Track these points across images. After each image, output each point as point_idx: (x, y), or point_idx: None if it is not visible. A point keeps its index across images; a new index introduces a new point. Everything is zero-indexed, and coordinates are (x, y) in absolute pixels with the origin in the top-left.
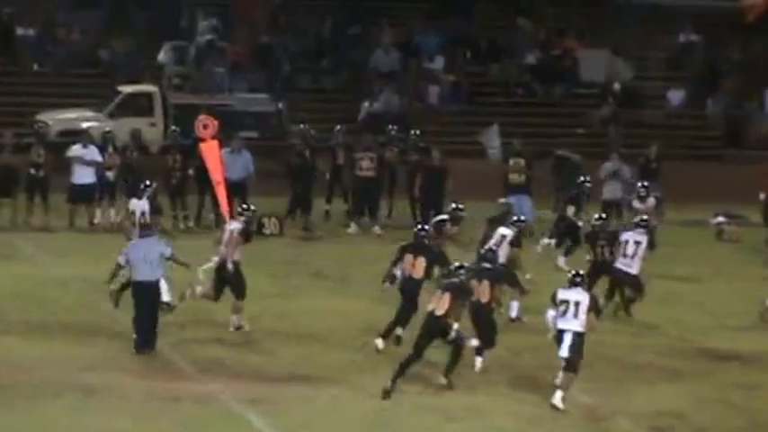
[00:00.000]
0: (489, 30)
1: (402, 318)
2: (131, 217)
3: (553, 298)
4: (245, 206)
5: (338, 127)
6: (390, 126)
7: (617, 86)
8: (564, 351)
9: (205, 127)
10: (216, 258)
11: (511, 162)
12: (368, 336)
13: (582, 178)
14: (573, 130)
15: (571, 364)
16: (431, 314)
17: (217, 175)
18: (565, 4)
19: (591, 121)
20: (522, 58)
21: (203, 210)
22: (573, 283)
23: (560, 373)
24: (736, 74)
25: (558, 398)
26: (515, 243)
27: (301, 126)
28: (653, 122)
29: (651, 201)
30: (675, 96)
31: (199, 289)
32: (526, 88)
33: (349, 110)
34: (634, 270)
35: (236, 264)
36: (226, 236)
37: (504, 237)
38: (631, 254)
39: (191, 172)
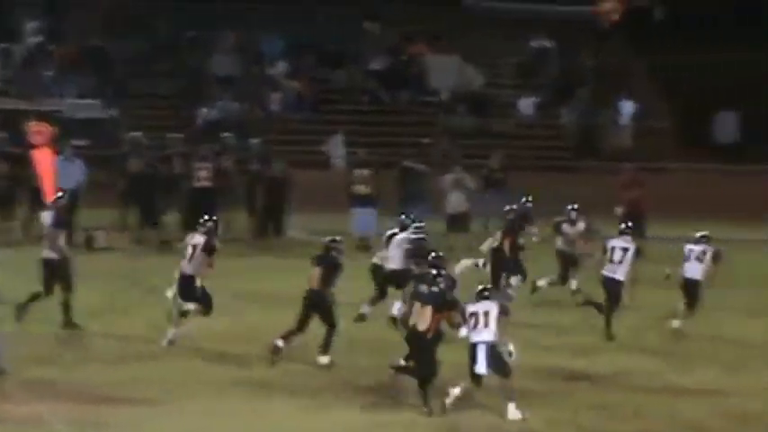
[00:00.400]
0: (335, 34)
1: (299, 327)
2: None
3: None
4: (206, 217)
5: (175, 135)
6: (226, 134)
7: (446, 94)
8: (481, 368)
9: (38, 133)
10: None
11: (356, 173)
12: (198, 354)
13: (524, 199)
14: (420, 139)
15: (502, 372)
16: (413, 330)
17: (48, 183)
18: (414, 8)
19: (438, 129)
20: (368, 63)
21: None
22: (481, 297)
23: (503, 385)
24: (590, 82)
25: (511, 410)
26: None
27: (135, 134)
28: (503, 132)
29: (581, 225)
30: (527, 105)
31: (191, 306)
32: (372, 95)
33: (186, 117)
34: (619, 276)
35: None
36: (188, 251)
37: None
38: (618, 260)
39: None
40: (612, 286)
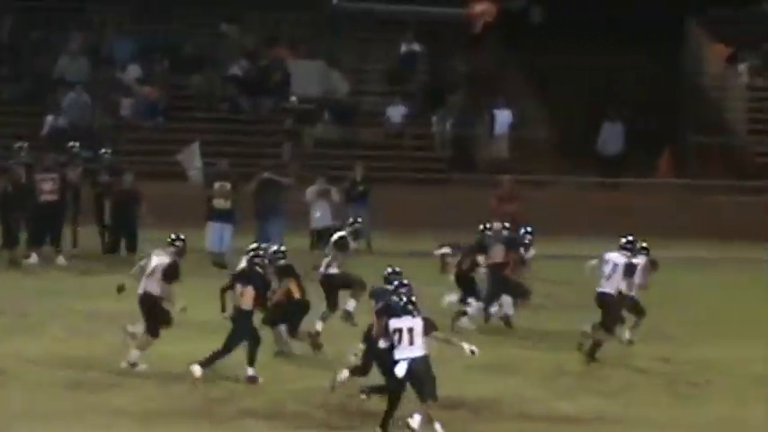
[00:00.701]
0: (191, 37)
1: (226, 348)
2: None
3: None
4: (174, 236)
5: (19, 143)
6: (72, 143)
7: (294, 99)
8: (401, 370)
9: None
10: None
11: (216, 186)
12: (52, 377)
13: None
14: (281, 149)
15: (426, 391)
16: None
17: None
18: (276, 10)
19: (304, 140)
20: (227, 68)
21: None
22: (405, 311)
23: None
24: (463, 88)
25: (415, 420)
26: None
27: None
28: (371, 141)
29: (532, 252)
30: (396, 113)
31: (139, 327)
32: (231, 102)
33: (31, 124)
34: (609, 289)
35: (157, 298)
36: (149, 268)
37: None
38: (608, 274)
39: None
40: (607, 302)
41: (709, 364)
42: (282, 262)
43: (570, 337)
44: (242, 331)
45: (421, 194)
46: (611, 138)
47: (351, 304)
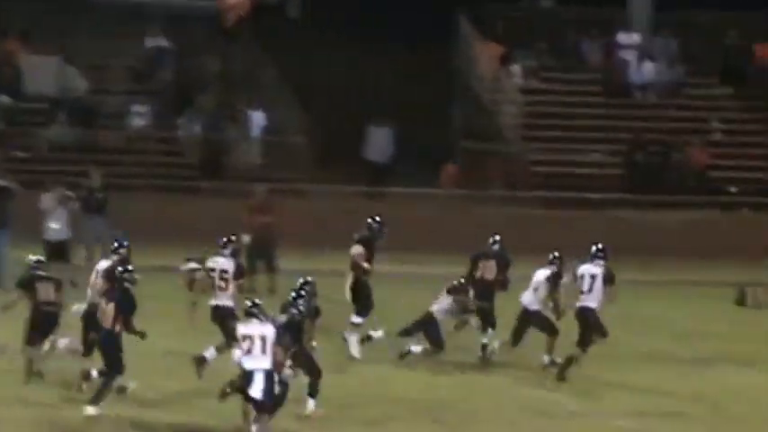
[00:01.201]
0: None
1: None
2: None
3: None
4: (118, 242)
5: None
6: None
7: (5, 99)
8: (257, 392)
9: None
10: (84, 306)
11: None
12: None
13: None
14: (15, 153)
15: (265, 406)
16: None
17: None
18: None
19: (38, 143)
20: None
21: None
22: (250, 315)
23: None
24: (215, 88)
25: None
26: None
27: None
28: (112, 146)
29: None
30: (140, 114)
31: (63, 342)
32: None
33: None
34: (591, 303)
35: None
36: (92, 277)
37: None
38: (588, 288)
39: None
40: (587, 316)
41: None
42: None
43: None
44: None
45: (167, 204)
46: (378, 143)
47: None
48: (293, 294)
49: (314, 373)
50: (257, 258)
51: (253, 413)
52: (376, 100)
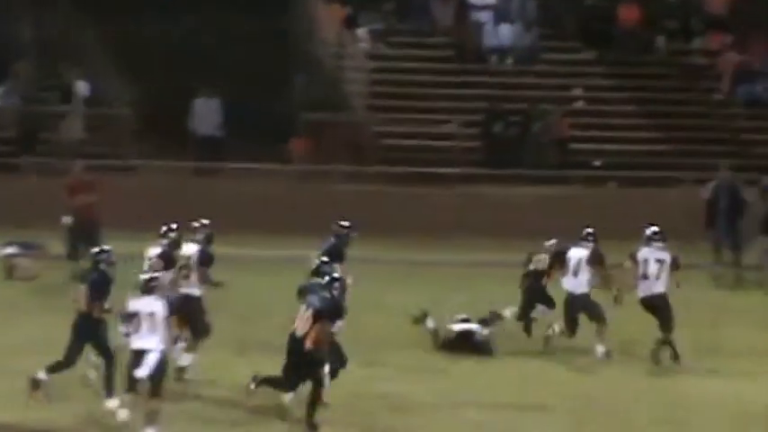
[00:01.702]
0: None
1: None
2: None
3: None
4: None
5: None
6: None
7: None
8: (143, 370)
9: None
10: None
11: None
12: None
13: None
14: None
15: (157, 388)
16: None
17: None
18: None
19: None
20: None
21: None
22: (147, 290)
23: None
24: (31, 56)
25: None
26: None
27: None
28: None
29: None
30: None
31: None
32: None
33: None
34: (660, 289)
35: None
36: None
37: None
38: (655, 274)
39: None
40: (656, 303)
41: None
42: None
43: None
44: None
45: None
46: (207, 115)
47: None
48: (328, 278)
49: (341, 359)
50: (79, 242)
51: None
52: (208, 68)
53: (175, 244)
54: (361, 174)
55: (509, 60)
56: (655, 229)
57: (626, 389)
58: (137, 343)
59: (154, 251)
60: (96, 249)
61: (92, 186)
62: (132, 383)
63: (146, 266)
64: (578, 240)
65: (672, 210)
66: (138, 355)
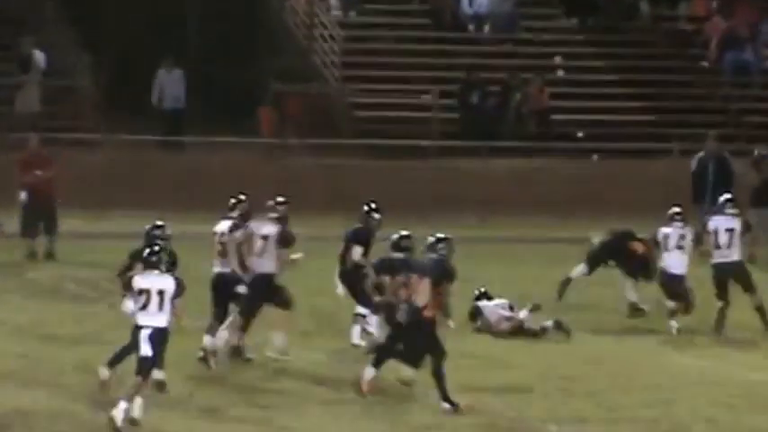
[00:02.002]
0: None
1: None
2: None
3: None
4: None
5: None
6: None
7: None
8: (146, 350)
9: None
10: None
11: None
12: None
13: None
14: None
15: (146, 366)
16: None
17: None
18: None
19: None
20: None
21: None
22: (150, 265)
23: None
24: None
25: (120, 409)
26: None
27: None
28: None
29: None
30: None
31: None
32: None
33: None
34: (735, 256)
35: None
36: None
37: None
38: (726, 243)
39: None
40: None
41: None
42: None
43: None
44: None
45: None
46: (169, 88)
47: None
48: (433, 239)
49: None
50: (35, 219)
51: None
52: (172, 38)
53: (246, 216)
54: (334, 146)
55: (487, 28)
56: (728, 197)
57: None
58: (143, 320)
59: (223, 226)
60: (153, 224)
61: (48, 161)
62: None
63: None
64: (719, 208)
65: (657, 183)
66: (146, 333)
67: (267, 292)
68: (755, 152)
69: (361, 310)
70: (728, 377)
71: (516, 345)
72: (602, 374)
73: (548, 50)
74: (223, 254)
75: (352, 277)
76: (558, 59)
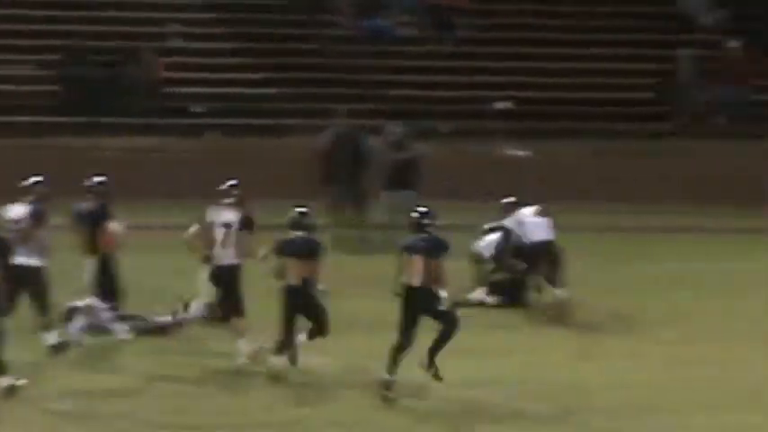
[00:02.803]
0: None
1: None
2: None
3: None
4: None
5: None
6: None
7: None
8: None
9: None
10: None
11: None
12: None
13: None
14: None
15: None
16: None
17: None
18: None
19: None
20: None
21: None
22: None
23: None
24: None
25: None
26: None
27: None
28: None
29: None
30: None
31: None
32: None
33: None
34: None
35: None
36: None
37: None
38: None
39: None
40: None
41: None
42: None
43: None
44: None
45: None
46: None
47: None
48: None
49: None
50: None
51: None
52: None
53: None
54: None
55: None
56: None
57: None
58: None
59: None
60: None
61: None
62: None
63: None
64: None
65: (284, 163)
66: None
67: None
68: (393, 129)
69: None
70: None
71: None
72: None
73: (162, 16)
74: None
75: None
76: (173, 26)
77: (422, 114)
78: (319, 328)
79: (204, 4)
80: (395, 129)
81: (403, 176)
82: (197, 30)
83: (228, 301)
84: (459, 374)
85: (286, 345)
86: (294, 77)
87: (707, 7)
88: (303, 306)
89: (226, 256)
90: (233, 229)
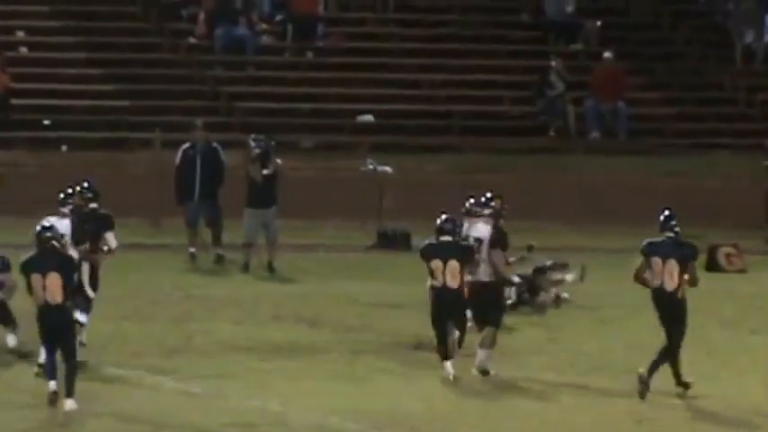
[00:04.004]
0: None
1: None
2: None
3: None
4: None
5: None
6: None
7: None
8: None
9: None
10: None
11: None
12: None
13: None
14: None
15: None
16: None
17: None
18: None
19: None
20: None
21: None
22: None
23: None
24: None
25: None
26: None
27: None
28: None
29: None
30: None
31: None
32: None
33: None
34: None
35: None
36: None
37: None
38: None
39: None
40: None
41: None
42: None
43: None
44: None
45: None
46: None
47: None
48: (441, 222)
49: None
50: None
51: None
52: None
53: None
54: None
55: None
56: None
57: None
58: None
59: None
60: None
61: None
62: None
63: None
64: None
65: (137, 179)
66: None
67: None
68: (252, 143)
69: None
70: None
71: None
72: None
73: (8, 23)
74: None
75: None
76: (20, 34)
77: (282, 128)
78: None
79: (51, 11)
80: (259, 143)
81: (267, 193)
82: (44, 38)
83: None
84: None
85: None
86: (146, 89)
87: (581, 17)
88: None
89: None
90: None
